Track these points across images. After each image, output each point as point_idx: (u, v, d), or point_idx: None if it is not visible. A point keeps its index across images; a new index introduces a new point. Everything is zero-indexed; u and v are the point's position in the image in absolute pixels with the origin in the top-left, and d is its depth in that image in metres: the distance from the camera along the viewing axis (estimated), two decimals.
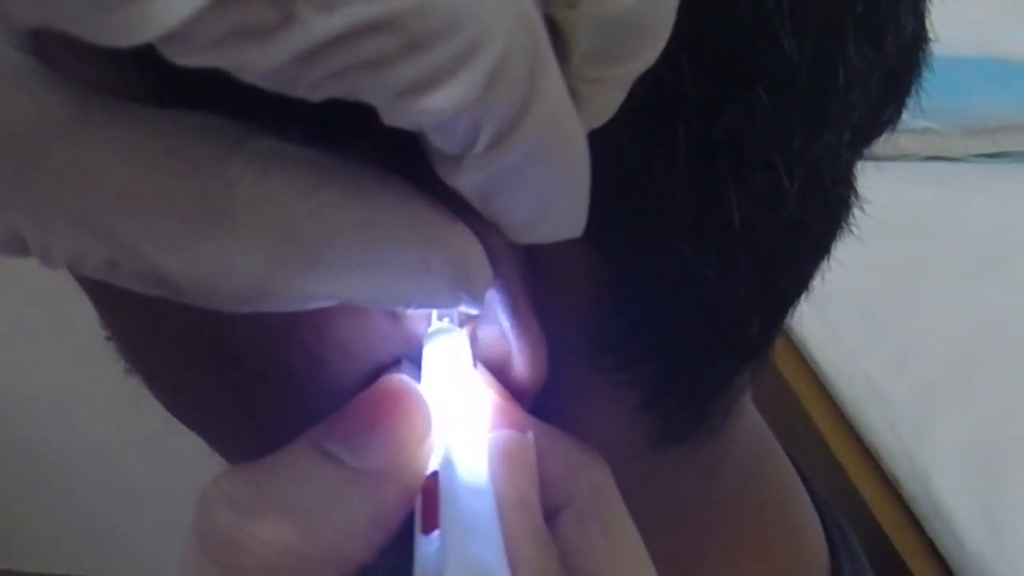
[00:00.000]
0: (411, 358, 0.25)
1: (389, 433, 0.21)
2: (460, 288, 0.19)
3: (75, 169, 0.17)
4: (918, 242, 1.17)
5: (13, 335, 1.44)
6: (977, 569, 0.86)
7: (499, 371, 0.24)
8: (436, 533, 0.20)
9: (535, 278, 0.23)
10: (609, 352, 0.25)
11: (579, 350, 0.25)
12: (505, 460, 0.22)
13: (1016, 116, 1.45)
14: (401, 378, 0.22)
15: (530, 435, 0.23)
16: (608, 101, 0.18)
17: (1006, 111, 1.45)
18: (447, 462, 0.21)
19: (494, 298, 0.23)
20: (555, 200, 0.18)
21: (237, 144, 0.18)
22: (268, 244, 0.18)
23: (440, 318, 0.24)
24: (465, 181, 0.18)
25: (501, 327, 0.23)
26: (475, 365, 0.24)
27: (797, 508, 0.38)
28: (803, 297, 0.28)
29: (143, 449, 1.45)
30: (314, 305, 0.19)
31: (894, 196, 1.22)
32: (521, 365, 0.24)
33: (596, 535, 0.22)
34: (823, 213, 0.26)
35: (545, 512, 0.22)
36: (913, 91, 0.27)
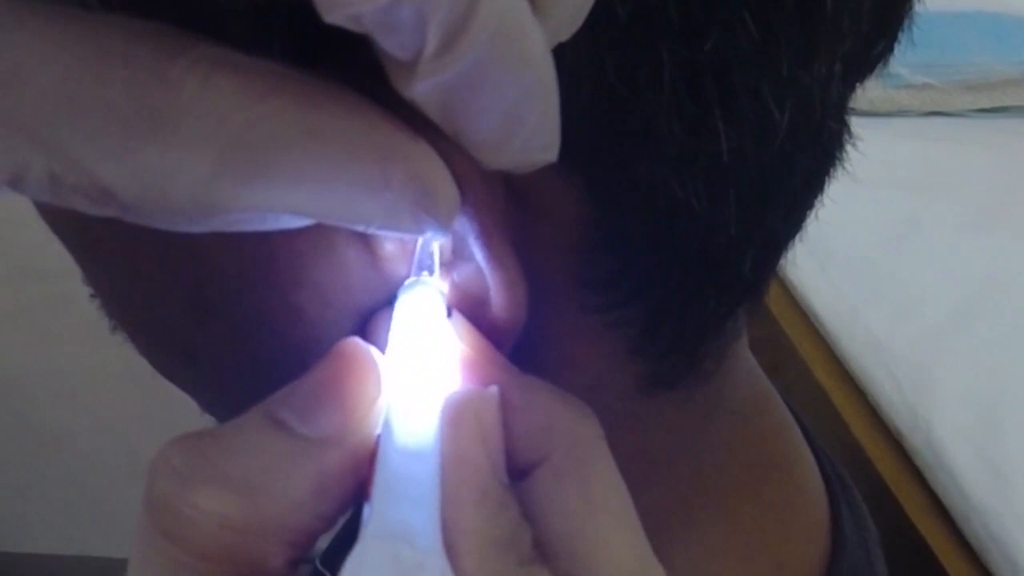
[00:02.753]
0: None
1: (336, 398, 0.20)
2: (422, 208, 0.18)
3: (8, 69, 0.16)
4: (918, 196, 1.17)
5: (18, 314, 1.43)
6: (981, 520, 0.86)
7: (478, 312, 0.23)
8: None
9: (520, 215, 0.22)
10: (597, 291, 0.25)
11: (567, 289, 0.25)
12: (452, 419, 0.21)
13: (1014, 71, 1.46)
14: (354, 340, 0.21)
15: (493, 390, 0.22)
16: (571, 8, 0.17)
17: (1004, 66, 1.45)
18: (386, 424, 0.20)
19: (466, 229, 0.22)
20: (520, 114, 0.17)
21: (183, 48, 0.17)
22: (212, 152, 0.17)
23: (420, 269, 0.23)
24: (421, 91, 0.17)
25: (477, 264, 0.22)
26: (450, 315, 0.23)
27: (795, 458, 0.37)
28: (797, 238, 0.27)
29: (151, 427, 1.45)
30: (271, 223, 0.18)
31: (894, 151, 1.22)
32: (498, 303, 0.23)
33: (571, 494, 0.21)
34: (814, 147, 0.25)
35: (519, 471, 0.21)
36: (906, 27, 0.26)
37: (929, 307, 1.03)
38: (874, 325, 1.00)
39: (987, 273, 1.08)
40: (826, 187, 0.27)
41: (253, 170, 0.17)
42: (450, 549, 0.19)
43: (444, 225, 0.19)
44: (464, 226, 0.21)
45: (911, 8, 0.26)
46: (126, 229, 0.19)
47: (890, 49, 0.27)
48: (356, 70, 0.18)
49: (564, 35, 0.18)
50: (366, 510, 0.20)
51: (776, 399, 0.37)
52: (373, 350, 0.21)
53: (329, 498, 0.20)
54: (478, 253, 0.22)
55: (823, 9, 0.22)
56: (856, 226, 1.07)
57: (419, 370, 0.21)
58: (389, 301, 0.24)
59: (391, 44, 0.16)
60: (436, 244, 0.23)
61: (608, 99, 0.21)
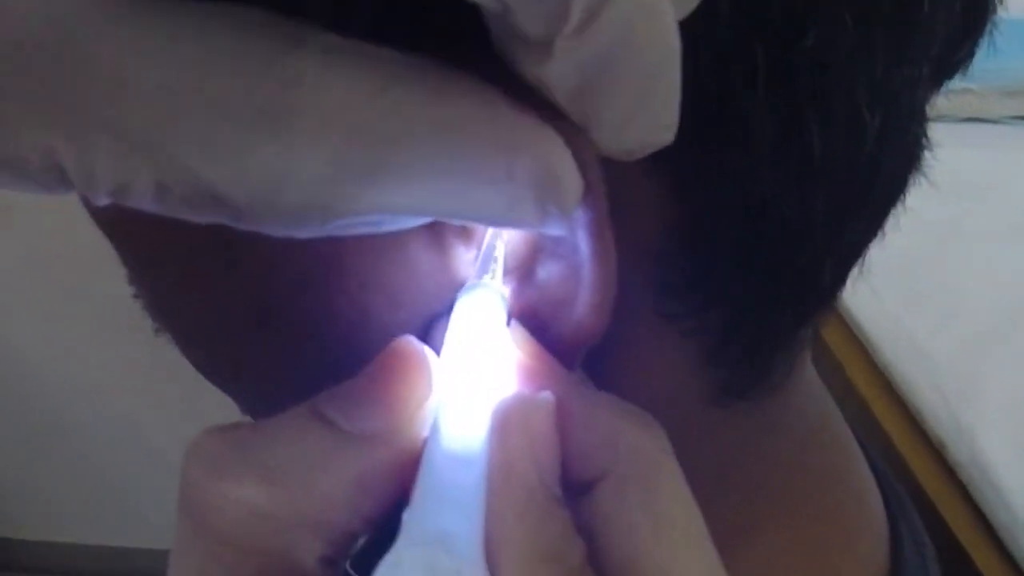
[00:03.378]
0: None
1: (384, 396, 0.20)
2: (547, 198, 0.17)
3: (111, 73, 0.15)
4: (957, 202, 1.16)
5: (31, 302, 1.44)
6: None
7: (558, 315, 0.22)
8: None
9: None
10: (675, 297, 0.24)
11: (646, 294, 0.24)
12: (502, 426, 0.20)
13: None
14: (407, 339, 0.21)
15: (546, 395, 0.21)
16: None
17: None
18: (434, 427, 0.20)
19: (578, 221, 0.20)
20: (649, 91, 0.17)
21: (296, 40, 0.16)
22: (333, 148, 0.16)
23: (482, 271, 0.22)
24: (555, 71, 0.16)
25: (566, 265, 0.22)
26: (509, 323, 0.22)
27: (857, 473, 0.37)
28: (873, 245, 0.28)
29: (165, 416, 1.46)
30: (385, 225, 0.17)
31: (932, 157, 1.21)
32: (589, 303, 0.21)
33: (635, 510, 0.20)
34: (900, 150, 0.25)
35: (579, 486, 0.20)
36: (989, 30, 0.27)
37: (972, 315, 1.01)
38: (916, 333, 0.99)
39: None
40: (906, 193, 0.27)
41: (375, 167, 0.16)
42: (490, 559, 0.18)
43: (568, 216, 0.18)
44: (577, 217, 0.20)
45: (995, 11, 0.26)
46: (186, 225, 0.17)
47: (972, 53, 0.27)
48: (471, 55, 0.17)
49: (685, 12, 0.17)
50: (405, 514, 0.19)
51: (837, 413, 0.37)
52: (428, 351, 0.21)
53: (370, 498, 0.19)
54: (586, 248, 0.21)
55: (920, 10, 0.22)
56: (896, 233, 1.05)
57: (472, 374, 0.21)
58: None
59: (529, 20, 0.15)
60: (501, 245, 0.22)
61: (701, 93, 0.20)
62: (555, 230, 0.19)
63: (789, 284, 0.25)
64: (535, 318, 0.22)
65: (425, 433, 0.20)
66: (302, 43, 0.16)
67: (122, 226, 0.26)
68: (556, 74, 0.16)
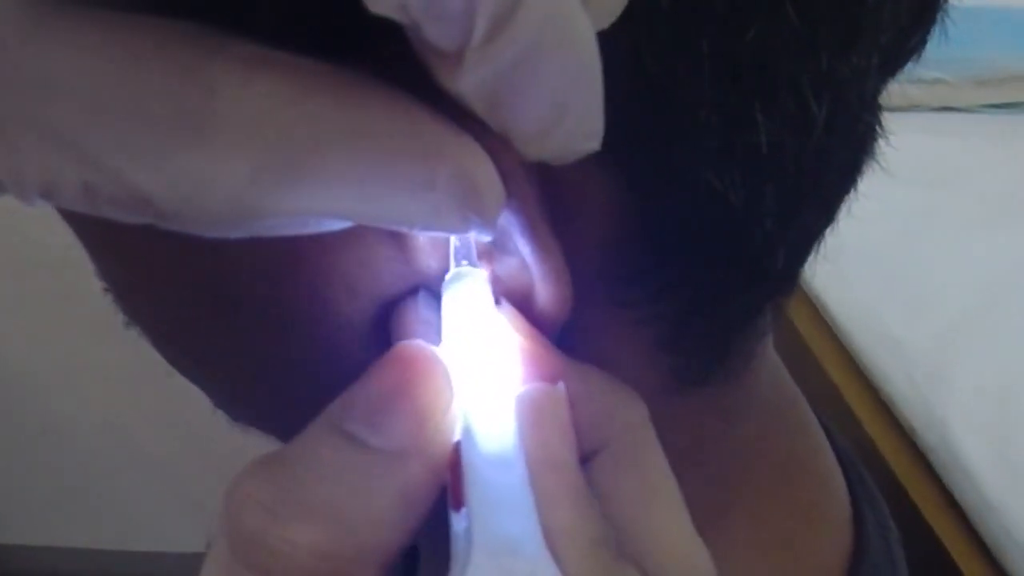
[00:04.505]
0: (429, 287, 0.23)
1: (410, 406, 0.20)
2: (469, 207, 0.18)
3: (39, 77, 0.16)
4: (930, 191, 1.17)
5: (18, 306, 1.44)
6: (997, 519, 0.85)
7: (521, 307, 0.23)
8: (464, 510, 0.20)
9: (555, 208, 0.22)
10: (630, 285, 0.24)
11: (600, 284, 0.24)
12: (534, 420, 0.21)
13: None
14: (418, 344, 0.21)
15: (561, 386, 0.22)
16: None
17: (1016, 62, 1.45)
18: (467, 431, 0.20)
19: (511, 223, 0.21)
20: (566, 102, 0.17)
21: (217, 49, 0.17)
22: (253, 154, 0.16)
23: (459, 261, 0.22)
24: (468, 82, 0.16)
25: (520, 258, 0.22)
26: (498, 304, 0.22)
27: (819, 457, 0.37)
28: (827, 232, 0.27)
29: (153, 421, 1.46)
30: (311, 227, 0.18)
31: (905, 146, 1.21)
32: (544, 296, 0.22)
33: (632, 480, 0.21)
34: (850, 140, 0.25)
35: (581, 457, 0.21)
36: (939, 19, 0.26)
37: (943, 303, 1.02)
38: (888, 322, 1.00)
39: (1001, 269, 1.07)
40: (859, 182, 0.27)
41: (294, 173, 0.17)
42: (555, 552, 0.19)
43: (490, 223, 0.18)
44: (508, 220, 0.21)
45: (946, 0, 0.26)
46: (146, 227, 0.18)
47: (924, 42, 0.27)
48: (396, 66, 0.18)
49: (605, 22, 0.17)
50: (455, 520, 0.19)
51: (800, 398, 0.37)
52: (440, 351, 0.21)
53: (415, 511, 0.20)
54: (524, 247, 0.21)
55: (864, 1, 0.22)
56: (869, 222, 1.06)
57: (485, 369, 0.21)
58: (413, 290, 0.24)
59: (437, 34, 0.16)
60: (473, 236, 0.22)
61: (646, 89, 0.21)
62: (482, 236, 0.20)
63: (742, 272, 0.25)
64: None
65: (455, 437, 0.20)
66: (223, 52, 0.17)
67: (81, 218, 0.26)
68: (469, 85, 0.16)
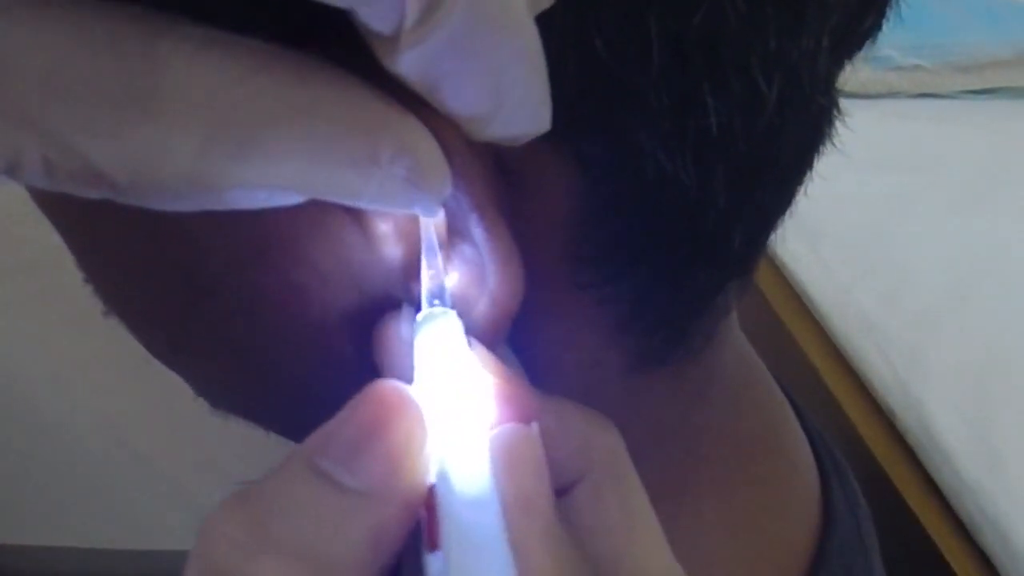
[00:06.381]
0: (411, 302, 0.23)
1: (384, 448, 0.20)
2: (412, 183, 0.19)
3: None
4: (909, 176, 1.17)
5: (10, 305, 1.43)
6: (973, 498, 0.86)
7: (477, 292, 0.23)
8: (440, 552, 0.20)
9: (510, 190, 0.22)
10: (587, 266, 0.25)
11: (557, 266, 0.25)
12: (507, 462, 0.21)
13: (1005, 52, 1.45)
14: (393, 385, 0.21)
15: (535, 426, 0.22)
16: None
17: (995, 48, 1.44)
18: (442, 474, 0.20)
19: (461, 206, 0.22)
20: (505, 84, 0.18)
21: (165, 30, 0.17)
22: (200, 130, 0.17)
23: (431, 300, 0.22)
24: (405, 64, 0.17)
25: (473, 243, 0.22)
26: (471, 345, 0.22)
27: (786, 435, 0.38)
28: (788, 214, 0.28)
29: (143, 419, 1.45)
30: (261, 201, 0.19)
31: (885, 132, 1.22)
32: (497, 278, 0.22)
33: (611, 509, 0.21)
34: (803, 122, 0.25)
35: (559, 491, 0.21)
36: (893, 2, 0.27)
37: (920, 287, 1.03)
38: (866, 305, 1.00)
39: (978, 253, 1.08)
40: (816, 163, 0.27)
41: (241, 147, 0.17)
42: None
43: (435, 199, 0.19)
44: (459, 202, 0.21)
45: None
46: (119, 211, 0.19)
47: (878, 25, 0.27)
48: (343, 48, 0.18)
49: (545, 3, 0.18)
50: (430, 562, 0.20)
51: (766, 377, 0.38)
52: (413, 391, 0.21)
53: (385, 551, 0.20)
54: (473, 228, 0.22)
55: None
56: (847, 206, 1.07)
57: (459, 411, 0.21)
58: (389, 299, 0.24)
59: (371, 17, 0.16)
60: (439, 260, 0.22)
61: (597, 72, 0.21)
62: (427, 213, 0.21)
63: (698, 251, 0.25)
64: (456, 297, 0.23)
65: (428, 479, 0.20)
66: (171, 33, 0.17)
67: (57, 205, 0.27)
68: (406, 67, 0.17)
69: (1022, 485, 0.85)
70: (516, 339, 0.24)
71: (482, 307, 0.23)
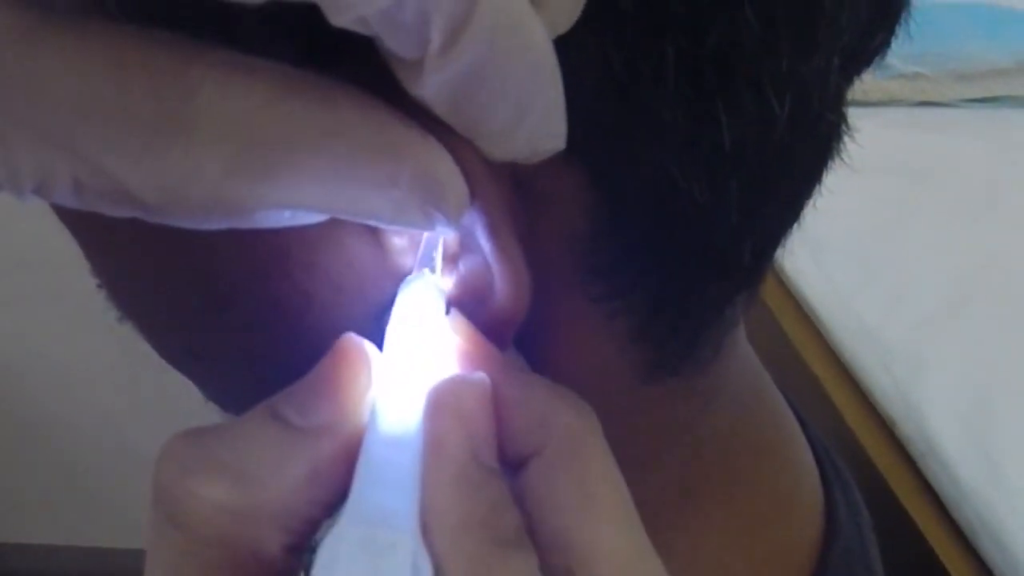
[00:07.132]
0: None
1: (329, 390, 0.21)
2: (431, 205, 0.19)
3: (30, 81, 0.17)
4: (910, 185, 1.18)
5: (11, 302, 1.43)
6: (972, 507, 0.86)
7: (483, 303, 0.23)
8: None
9: (525, 205, 0.23)
10: (600, 279, 0.25)
11: (571, 278, 0.25)
12: (434, 404, 0.21)
13: (1005, 61, 1.46)
14: (349, 336, 0.22)
15: (479, 375, 0.22)
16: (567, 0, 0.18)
17: (995, 56, 1.45)
18: (372, 415, 0.21)
19: (475, 223, 0.22)
20: (526, 104, 0.18)
21: (198, 54, 0.18)
22: (229, 152, 0.18)
23: (426, 262, 0.23)
24: (430, 88, 0.18)
25: (483, 257, 0.23)
26: (448, 312, 0.23)
27: (791, 444, 0.38)
28: (795, 227, 0.28)
29: (145, 417, 1.45)
30: (286, 220, 0.19)
31: (886, 141, 1.23)
32: (503, 295, 0.23)
33: (564, 487, 0.21)
34: (813, 139, 0.25)
35: (515, 464, 0.22)
36: (903, 19, 0.27)
37: (921, 295, 1.03)
38: (866, 313, 1.01)
39: (978, 262, 1.08)
40: (824, 178, 0.27)
41: (268, 169, 0.18)
42: (425, 530, 0.19)
43: (453, 220, 0.20)
44: (472, 220, 0.22)
45: (908, 1, 0.27)
46: (139, 223, 0.19)
47: (888, 42, 0.27)
48: (367, 72, 0.19)
49: (563, 27, 0.18)
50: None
51: (771, 387, 0.38)
52: (370, 345, 0.22)
53: (322, 485, 0.20)
54: (485, 247, 0.22)
55: (822, 4, 0.23)
56: (848, 215, 1.07)
57: (410, 362, 0.22)
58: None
59: (397, 44, 0.17)
60: (441, 240, 0.23)
61: (612, 90, 0.21)
62: (445, 232, 0.21)
63: (709, 265, 0.26)
64: (461, 307, 0.23)
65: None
66: (202, 58, 0.18)
67: (76, 217, 0.27)
68: (430, 91, 0.18)
69: (1021, 493, 0.85)
70: (528, 348, 0.25)
71: (488, 316, 0.23)
